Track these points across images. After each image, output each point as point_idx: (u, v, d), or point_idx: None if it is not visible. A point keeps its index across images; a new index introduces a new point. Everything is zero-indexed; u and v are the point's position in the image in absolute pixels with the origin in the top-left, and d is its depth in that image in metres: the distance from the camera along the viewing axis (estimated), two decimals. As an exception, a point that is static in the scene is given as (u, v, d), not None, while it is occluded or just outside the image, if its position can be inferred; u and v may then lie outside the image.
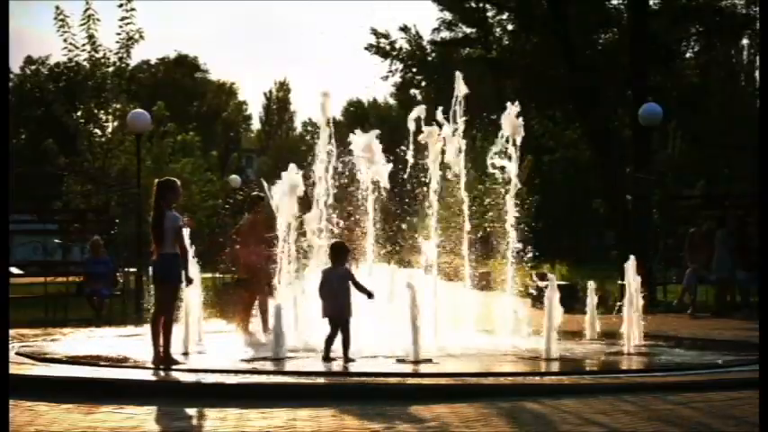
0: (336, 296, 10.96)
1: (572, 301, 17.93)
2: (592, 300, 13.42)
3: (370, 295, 11.01)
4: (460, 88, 13.10)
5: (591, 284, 13.63)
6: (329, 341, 10.97)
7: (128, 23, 25.20)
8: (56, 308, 18.05)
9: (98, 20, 25.06)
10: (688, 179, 33.06)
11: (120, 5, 25.16)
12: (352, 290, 11.05)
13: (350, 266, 11.69)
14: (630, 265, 12.05)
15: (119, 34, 25.29)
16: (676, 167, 32.16)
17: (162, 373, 10.03)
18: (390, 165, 12.94)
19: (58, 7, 24.78)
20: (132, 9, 25.09)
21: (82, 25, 25.00)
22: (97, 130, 26.00)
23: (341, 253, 11.29)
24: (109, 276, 19.31)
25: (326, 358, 10.85)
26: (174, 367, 10.24)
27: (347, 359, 10.77)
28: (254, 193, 15.24)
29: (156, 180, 10.98)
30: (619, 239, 30.76)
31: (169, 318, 10.63)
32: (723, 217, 20.28)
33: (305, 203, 12.49)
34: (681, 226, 22.20)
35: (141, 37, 25.38)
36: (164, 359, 10.44)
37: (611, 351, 11.84)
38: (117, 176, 25.26)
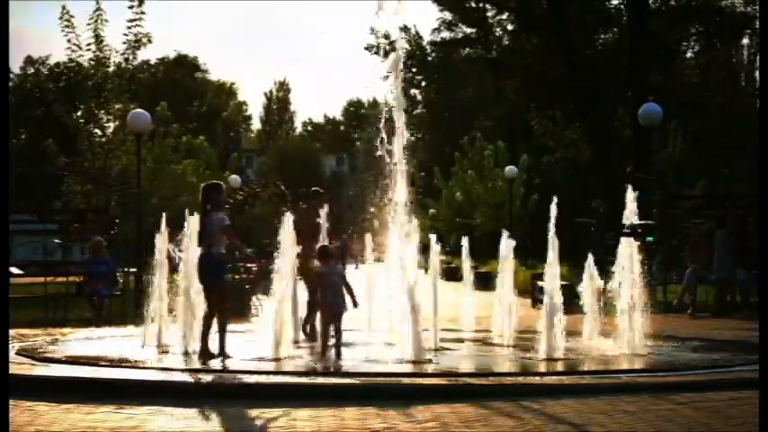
0: (341, 294, 11.51)
1: (571, 301, 17.93)
2: (591, 299, 13.39)
3: (355, 304, 11.60)
4: None
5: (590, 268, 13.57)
6: (326, 336, 11.44)
7: (136, 26, 25.17)
8: (56, 308, 18.03)
9: (106, 20, 25.04)
10: (688, 179, 33.01)
11: (131, 7, 25.09)
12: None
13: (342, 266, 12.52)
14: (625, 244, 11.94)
15: (126, 35, 25.26)
16: (676, 167, 32.11)
17: (162, 373, 10.04)
18: None
19: (64, 7, 24.78)
20: (142, 12, 25.05)
21: (89, 25, 24.98)
22: (97, 131, 25.95)
23: (331, 253, 11.99)
24: (109, 276, 19.29)
25: (325, 352, 11.29)
26: (199, 366, 10.52)
27: (340, 348, 11.41)
28: (314, 188, 14.81)
29: (203, 184, 11.72)
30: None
31: (210, 314, 11.20)
32: (723, 217, 20.27)
33: None
34: (681, 226, 22.18)
35: (149, 41, 25.38)
36: (202, 352, 10.97)
37: (611, 351, 11.83)
38: (117, 176, 25.22)
